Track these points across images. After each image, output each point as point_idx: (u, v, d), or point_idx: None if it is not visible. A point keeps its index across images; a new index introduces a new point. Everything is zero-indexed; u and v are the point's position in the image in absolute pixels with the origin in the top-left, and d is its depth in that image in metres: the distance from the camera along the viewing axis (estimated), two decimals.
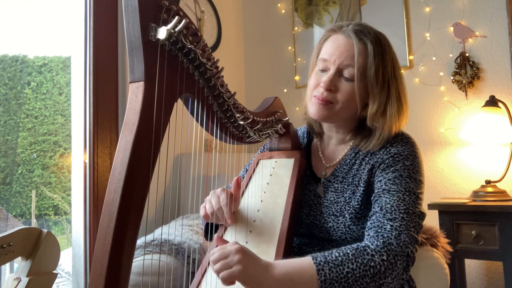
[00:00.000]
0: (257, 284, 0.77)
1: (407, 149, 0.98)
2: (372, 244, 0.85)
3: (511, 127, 1.89)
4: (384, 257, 0.82)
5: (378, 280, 0.81)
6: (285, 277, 0.79)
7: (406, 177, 0.94)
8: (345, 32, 1.00)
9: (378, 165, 0.98)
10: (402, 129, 1.05)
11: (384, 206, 0.91)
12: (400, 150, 0.97)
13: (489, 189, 1.87)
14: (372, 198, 0.96)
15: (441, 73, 2.20)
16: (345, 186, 1.02)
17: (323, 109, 1.00)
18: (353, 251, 0.83)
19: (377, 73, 0.97)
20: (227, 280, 0.76)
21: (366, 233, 0.90)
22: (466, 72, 2.11)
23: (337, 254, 0.83)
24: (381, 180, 0.95)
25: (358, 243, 0.87)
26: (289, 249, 0.93)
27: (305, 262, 0.81)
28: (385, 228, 0.87)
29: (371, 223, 0.90)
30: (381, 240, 0.85)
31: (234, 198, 0.99)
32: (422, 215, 0.93)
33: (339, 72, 0.99)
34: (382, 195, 0.93)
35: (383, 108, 0.99)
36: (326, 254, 0.83)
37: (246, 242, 0.95)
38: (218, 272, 0.77)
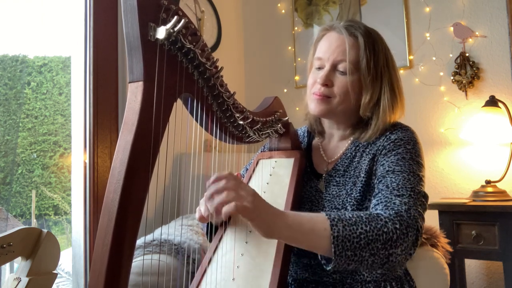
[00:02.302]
0: (267, 228, 0.76)
1: (407, 135, 1.00)
2: (384, 213, 0.84)
3: (511, 127, 1.89)
4: (397, 226, 0.81)
5: (389, 249, 0.80)
6: (296, 227, 0.78)
7: (409, 159, 0.95)
8: (337, 29, 1.04)
9: (379, 152, 0.99)
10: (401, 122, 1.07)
11: (390, 184, 0.91)
12: (401, 136, 1.00)
13: (489, 189, 1.87)
14: (376, 180, 0.96)
15: (441, 73, 2.20)
16: (347, 179, 1.03)
17: (322, 104, 1.03)
18: (367, 215, 0.82)
19: (369, 64, 1.00)
20: (228, 213, 0.72)
21: (373, 209, 0.90)
22: (466, 72, 2.11)
23: (350, 215, 0.82)
24: (383, 164, 0.96)
25: (369, 211, 0.86)
26: (290, 249, 0.93)
27: (319, 217, 0.80)
28: (394, 202, 0.87)
29: (378, 200, 0.90)
30: (393, 211, 0.84)
31: None
32: (426, 196, 0.93)
33: (333, 67, 1.02)
34: (387, 176, 0.93)
35: (376, 99, 1.02)
36: (339, 213, 0.82)
37: (246, 242, 0.95)
38: (226, 199, 0.72)
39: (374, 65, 1.00)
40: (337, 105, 1.03)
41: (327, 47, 1.04)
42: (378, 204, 0.89)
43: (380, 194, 0.91)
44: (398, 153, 0.96)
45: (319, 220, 0.80)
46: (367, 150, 1.03)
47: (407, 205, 0.86)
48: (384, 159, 0.97)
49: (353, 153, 1.05)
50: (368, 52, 1.00)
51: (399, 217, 0.83)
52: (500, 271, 1.95)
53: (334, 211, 1.00)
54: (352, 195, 0.99)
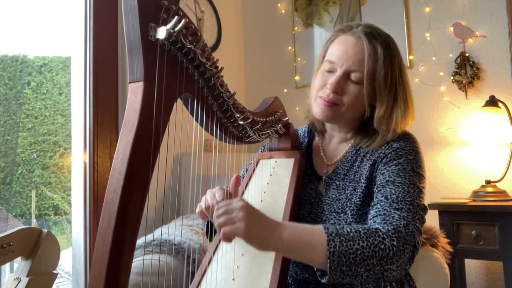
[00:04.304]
0: (261, 242, 0.77)
1: (409, 145, 0.99)
2: (383, 228, 0.84)
3: (511, 127, 1.89)
4: (395, 243, 0.81)
5: (384, 265, 0.80)
6: (293, 240, 0.78)
7: (410, 170, 0.94)
8: (355, 34, 1.00)
9: (380, 159, 0.98)
10: (407, 129, 1.05)
11: (389, 196, 0.90)
12: (403, 145, 0.98)
13: (489, 189, 1.87)
14: (375, 189, 0.95)
15: (441, 73, 2.20)
16: (347, 183, 1.02)
17: (328, 111, 1.01)
18: (365, 230, 0.82)
19: (386, 77, 0.97)
20: (228, 236, 0.76)
21: (371, 221, 0.90)
22: (466, 72, 2.11)
23: (348, 230, 0.82)
24: (384, 173, 0.95)
25: (367, 226, 0.86)
26: None
27: (317, 231, 0.81)
28: (392, 216, 0.86)
29: (376, 211, 0.90)
30: (391, 226, 0.84)
31: (234, 195, 0.99)
32: (425, 209, 0.93)
33: (346, 75, 0.99)
34: (386, 186, 0.92)
35: (390, 111, 1.00)
36: (338, 227, 0.82)
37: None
38: (220, 226, 0.77)
39: (390, 78, 0.98)
40: (344, 113, 1.01)
41: (343, 52, 0.99)
42: (377, 216, 0.88)
43: (378, 205, 0.90)
44: (399, 163, 0.95)
45: (316, 233, 0.80)
46: (368, 155, 1.01)
47: (405, 220, 0.85)
48: (385, 168, 0.96)
49: (354, 157, 1.04)
50: (387, 65, 0.97)
51: (397, 233, 0.83)
52: (500, 271, 1.95)
53: (333, 214, 1.00)
54: (352, 200, 0.98)
